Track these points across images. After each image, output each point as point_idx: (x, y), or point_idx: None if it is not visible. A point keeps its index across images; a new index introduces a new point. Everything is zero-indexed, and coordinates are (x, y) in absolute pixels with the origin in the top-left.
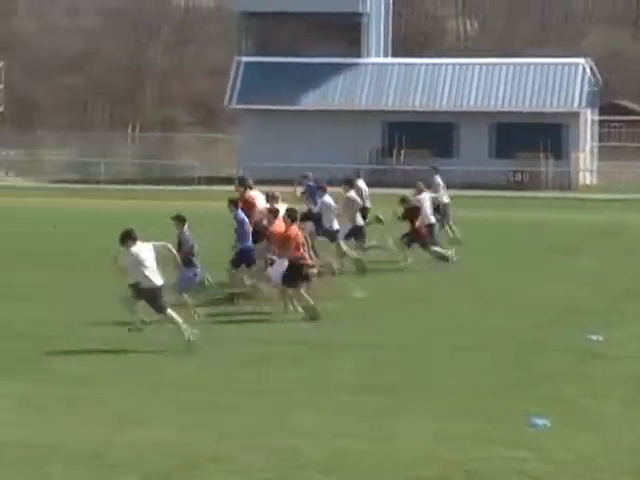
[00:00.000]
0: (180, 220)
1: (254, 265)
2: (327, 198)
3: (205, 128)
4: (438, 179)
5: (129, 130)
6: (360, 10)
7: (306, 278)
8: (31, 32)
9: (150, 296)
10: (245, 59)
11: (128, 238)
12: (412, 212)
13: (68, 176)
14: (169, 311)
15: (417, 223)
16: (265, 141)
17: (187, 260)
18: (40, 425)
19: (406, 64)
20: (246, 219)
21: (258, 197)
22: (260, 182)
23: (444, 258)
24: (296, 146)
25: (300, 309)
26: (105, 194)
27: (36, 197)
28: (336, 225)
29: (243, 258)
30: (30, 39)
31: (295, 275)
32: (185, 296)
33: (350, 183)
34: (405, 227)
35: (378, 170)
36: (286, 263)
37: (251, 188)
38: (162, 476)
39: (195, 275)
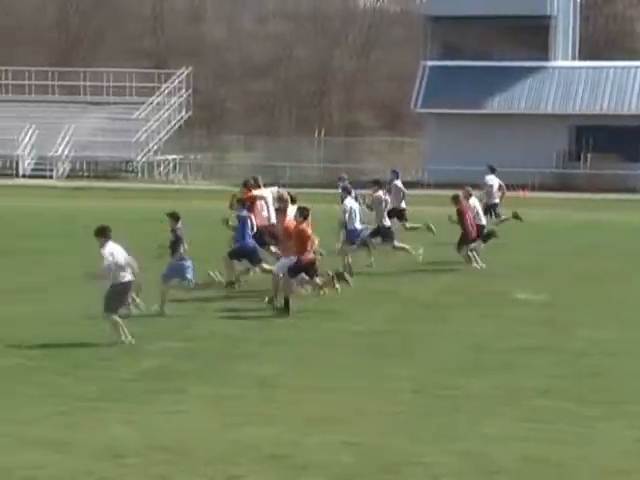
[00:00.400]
0: (174, 217)
1: (258, 264)
2: (349, 201)
3: (391, 132)
4: (490, 179)
5: (315, 134)
6: (548, 13)
7: (312, 273)
8: (220, 38)
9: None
10: (430, 63)
11: (103, 235)
12: (462, 214)
13: None
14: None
15: (466, 223)
16: (449, 144)
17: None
18: (228, 426)
19: (594, 67)
20: (248, 218)
21: (265, 196)
22: (442, 185)
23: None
24: (480, 150)
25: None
26: None
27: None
28: (359, 226)
29: (240, 253)
30: (218, 44)
31: (301, 270)
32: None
33: (378, 183)
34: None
35: (564, 174)
36: (294, 259)
37: (259, 187)
38: (350, 479)
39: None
